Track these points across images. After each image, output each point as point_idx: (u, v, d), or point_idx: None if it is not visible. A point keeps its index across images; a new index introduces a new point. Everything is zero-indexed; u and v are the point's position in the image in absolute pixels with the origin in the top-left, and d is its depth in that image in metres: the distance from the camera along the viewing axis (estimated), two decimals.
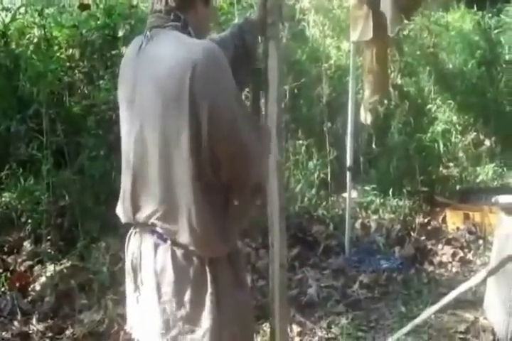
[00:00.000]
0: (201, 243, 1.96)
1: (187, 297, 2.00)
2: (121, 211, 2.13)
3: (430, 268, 4.64)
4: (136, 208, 2.04)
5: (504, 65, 7.06)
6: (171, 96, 1.87)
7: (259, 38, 2.40)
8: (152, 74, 1.92)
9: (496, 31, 7.13)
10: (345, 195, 4.92)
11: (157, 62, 1.91)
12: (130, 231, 2.17)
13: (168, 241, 2.00)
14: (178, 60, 1.86)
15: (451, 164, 6.10)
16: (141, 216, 2.03)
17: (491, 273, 3.24)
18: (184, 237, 1.95)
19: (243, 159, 1.95)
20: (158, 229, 2.01)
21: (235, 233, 2.10)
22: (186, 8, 1.99)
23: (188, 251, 1.99)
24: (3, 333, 3.60)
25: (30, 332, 3.63)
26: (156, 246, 2.03)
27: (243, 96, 2.47)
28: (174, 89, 1.86)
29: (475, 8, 7.27)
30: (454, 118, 6.39)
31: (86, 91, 4.82)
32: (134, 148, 2.00)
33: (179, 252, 1.99)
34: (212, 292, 1.99)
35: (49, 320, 3.72)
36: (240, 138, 1.91)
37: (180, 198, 1.93)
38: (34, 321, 3.69)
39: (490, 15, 7.18)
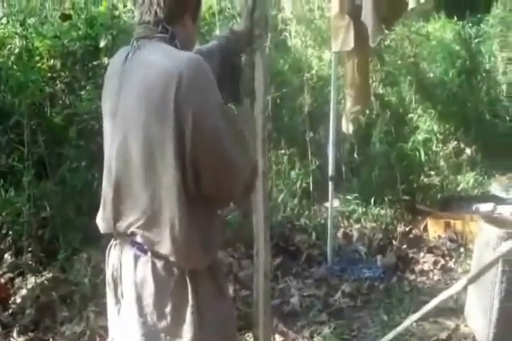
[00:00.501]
0: (182, 253, 1.95)
1: (168, 309, 2.00)
2: (102, 220, 2.13)
3: (412, 277, 4.66)
4: (117, 217, 2.04)
5: (484, 74, 7.12)
6: (155, 106, 1.89)
7: (245, 49, 2.43)
8: (137, 84, 1.93)
9: (476, 40, 7.19)
10: (328, 204, 4.94)
11: (143, 71, 1.93)
12: (110, 244, 2.17)
13: (149, 253, 1.99)
14: (164, 70, 1.88)
15: (432, 173, 6.13)
16: (122, 225, 2.03)
17: (471, 280, 3.26)
18: (165, 247, 1.95)
19: (225, 170, 1.94)
20: (138, 239, 2.01)
21: (216, 244, 2.10)
22: (174, 20, 2.02)
23: (169, 263, 1.98)
24: None
25: None
26: (136, 258, 2.02)
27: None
28: (159, 99, 1.88)
29: (455, 18, 7.34)
30: (435, 127, 6.43)
31: (68, 102, 4.79)
32: (116, 157, 2.01)
33: (159, 264, 1.99)
34: (193, 304, 1.99)
35: (30, 333, 3.69)
36: (223, 149, 1.91)
37: (162, 208, 1.94)
38: (15, 334, 3.66)
39: (470, 24, 7.25)
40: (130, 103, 1.95)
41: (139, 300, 2.02)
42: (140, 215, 1.97)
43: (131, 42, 2.03)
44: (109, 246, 2.18)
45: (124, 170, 1.99)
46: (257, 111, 2.37)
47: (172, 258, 1.96)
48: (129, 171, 1.98)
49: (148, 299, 2.01)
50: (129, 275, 2.05)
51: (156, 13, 1.99)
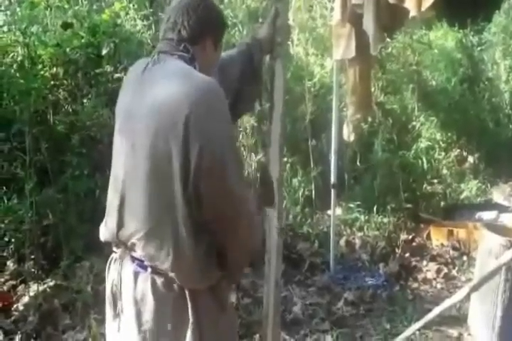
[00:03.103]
0: (182, 270, 1.94)
1: (168, 326, 1.98)
2: (105, 227, 2.12)
3: (415, 285, 4.66)
4: (121, 224, 2.03)
5: (487, 82, 7.13)
6: (165, 125, 1.88)
7: (266, 56, 2.44)
8: (151, 99, 1.93)
9: (478, 49, 7.20)
10: (330, 212, 4.93)
11: (158, 88, 1.93)
12: (110, 258, 2.16)
13: (149, 269, 1.98)
14: (178, 94, 1.87)
15: (435, 181, 6.12)
16: (124, 234, 2.01)
17: (473, 289, 3.25)
18: (165, 263, 1.93)
19: (227, 202, 1.91)
20: (138, 254, 1.99)
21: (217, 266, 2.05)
22: (196, 41, 2.04)
23: (169, 280, 1.97)
24: None
25: None
26: (136, 275, 2.01)
27: None
28: (170, 119, 1.87)
29: (457, 27, 7.34)
30: (438, 135, 6.44)
31: (70, 110, 4.80)
32: (124, 165, 2.01)
33: (159, 280, 1.98)
34: (194, 321, 1.97)
35: (32, 340, 3.68)
36: (227, 182, 1.89)
37: (164, 222, 1.92)
38: None
39: (472, 33, 7.25)
40: (140, 116, 1.95)
41: (139, 316, 2.01)
42: (141, 226, 1.96)
43: (151, 55, 2.05)
44: (109, 260, 2.17)
45: (130, 179, 1.99)
46: (275, 120, 2.38)
47: (171, 274, 1.95)
48: (135, 181, 1.97)
49: (148, 316, 1.99)
50: (128, 291, 2.04)
51: (179, 31, 2.02)
